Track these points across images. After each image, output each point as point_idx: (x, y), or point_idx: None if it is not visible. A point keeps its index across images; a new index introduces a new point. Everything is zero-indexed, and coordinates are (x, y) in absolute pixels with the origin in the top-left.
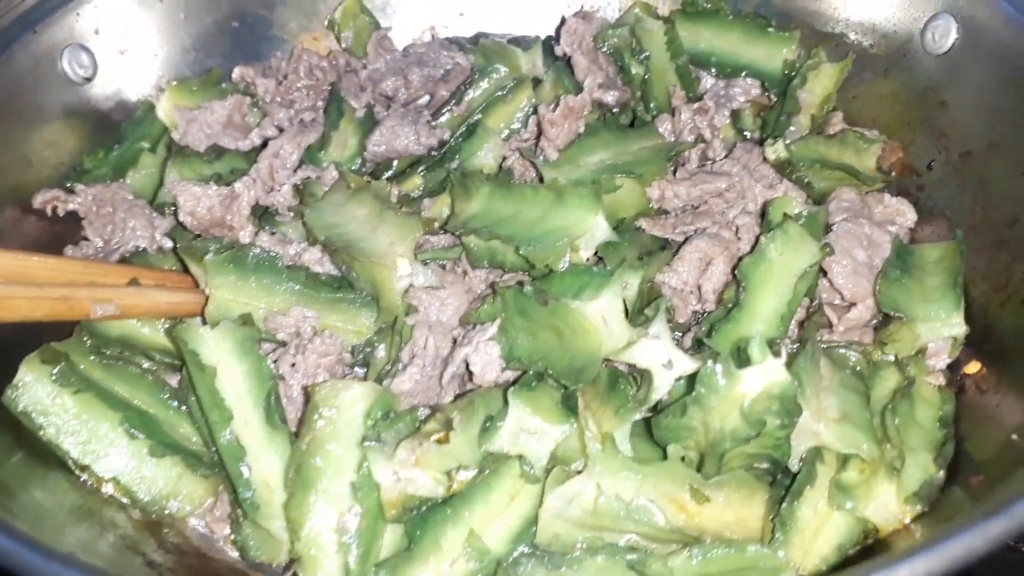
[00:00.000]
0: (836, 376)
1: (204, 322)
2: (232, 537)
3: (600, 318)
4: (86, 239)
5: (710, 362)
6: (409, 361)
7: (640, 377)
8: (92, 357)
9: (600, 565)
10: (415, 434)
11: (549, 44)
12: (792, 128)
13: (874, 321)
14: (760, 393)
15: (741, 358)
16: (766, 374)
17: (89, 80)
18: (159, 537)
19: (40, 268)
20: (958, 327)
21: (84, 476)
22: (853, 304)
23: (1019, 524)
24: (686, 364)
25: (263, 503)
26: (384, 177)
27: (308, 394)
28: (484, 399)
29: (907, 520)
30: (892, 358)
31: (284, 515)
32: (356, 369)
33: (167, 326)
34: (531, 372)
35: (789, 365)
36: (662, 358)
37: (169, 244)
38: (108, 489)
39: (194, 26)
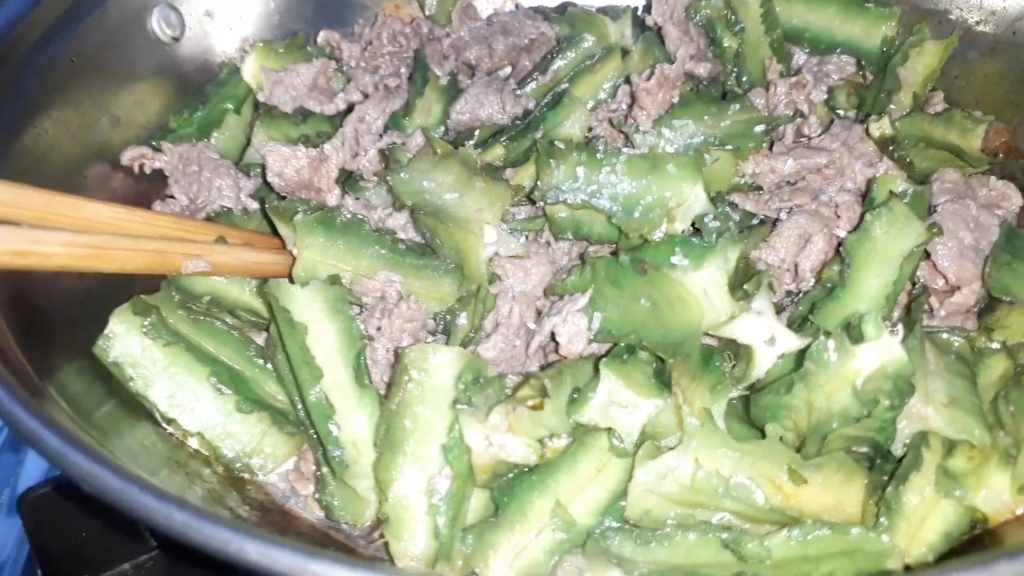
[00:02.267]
0: (942, 361)
1: (292, 283)
2: (316, 496)
3: (702, 290)
4: (172, 197)
5: (822, 337)
6: (493, 330)
7: (735, 354)
8: (180, 312)
9: (692, 542)
10: (509, 399)
11: (638, 15)
12: (892, 107)
13: (977, 307)
14: (875, 371)
15: (854, 334)
16: (882, 351)
17: (177, 40)
18: (243, 493)
19: (132, 221)
20: None
21: (170, 429)
22: (957, 288)
23: None
24: (791, 341)
25: (351, 462)
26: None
27: (398, 356)
28: (572, 370)
29: (1020, 511)
30: (998, 345)
31: (373, 475)
32: (439, 335)
33: (255, 285)
34: (623, 345)
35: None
36: (765, 334)
37: (254, 205)
38: (193, 444)
39: None
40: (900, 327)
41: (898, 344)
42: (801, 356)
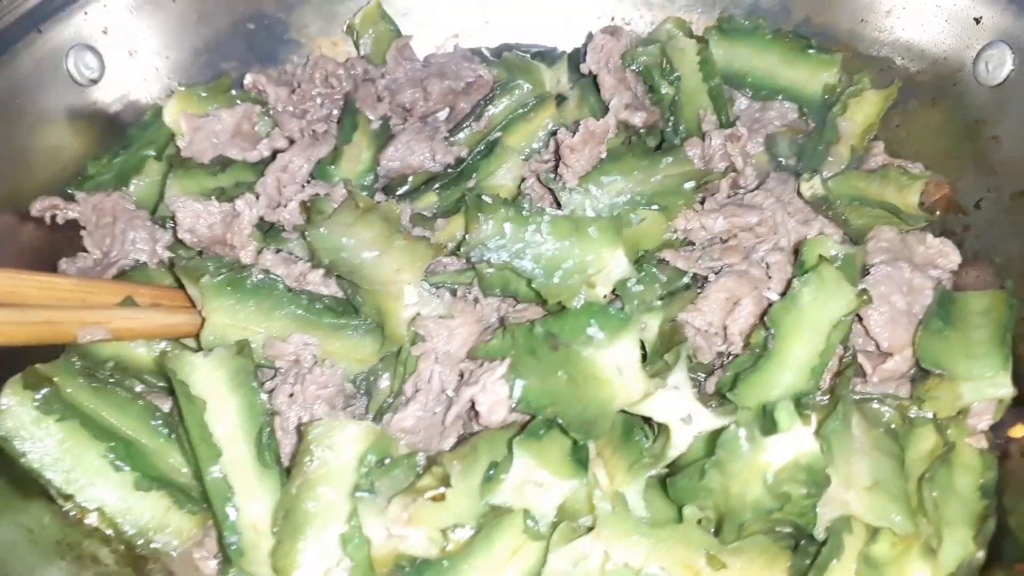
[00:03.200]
0: (869, 436)
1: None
2: None
3: (615, 368)
4: (84, 251)
5: (732, 426)
6: (412, 396)
7: (657, 427)
8: (80, 380)
9: None
10: (409, 489)
11: (577, 57)
12: (830, 159)
13: (912, 372)
14: (787, 464)
15: (767, 422)
16: (794, 443)
17: (95, 82)
18: (142, 574)
19: (29, 286)
20: (1005, 388)
21: (68, 506)
22: (889, 355)
23: None
24: (707, 420)
25: (250, 548)
26: (398, 193)
27: (301, 432)
28: (488, 443)
29: None
30: (930, 415)
31: (271, 564)
32: (360, 396)
33: (162, 347)
34: (540, 418)
35: (819, 428)
36: (681, 412)
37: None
38: (92, 520)
39: (208, 27)
40: (823, 398)
41: (811, 436)
42: (715, 440)
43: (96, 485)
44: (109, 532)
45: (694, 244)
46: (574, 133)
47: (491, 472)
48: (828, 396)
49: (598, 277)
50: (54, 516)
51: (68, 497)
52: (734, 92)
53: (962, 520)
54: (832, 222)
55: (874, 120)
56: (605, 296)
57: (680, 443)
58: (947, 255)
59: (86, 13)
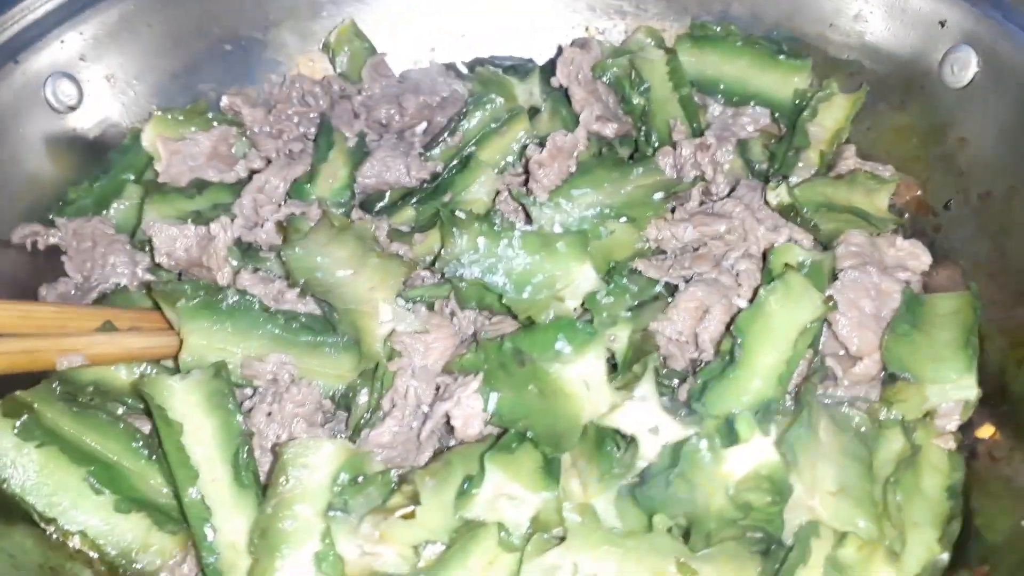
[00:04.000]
0: (836, 441)
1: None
2: None
3: (582, 381)
4: (66, 276)
5: (694, 438)
6: (389, 411)
7: (628, 438)
8: (60, 405)
9: None
10: (380, 508)
11: (550, 70)
12: (800, 164)
13: (882, 375)
14: (748, 474)
15: (728, 433)
16: (754, 454)
17: (74, 109)
18: None
19: (7, 315)
20: (969, 390)
21: (50, 529)
22: (859, 358)
23: None
24: (673, 430)
25: (228, 567)
26: (376, 209)
27: (276, 453)
28: (462, 457)
29: None
30: (897, 416)
31: None
32: (339, 413)
33: (141, 370)
34: (512, 432)
35: (784, 434)
36: (648, 423)
37: (152, 279)
38: (75, 543)
39: (185, 50)
40: (791, 404)
41: (771, 446)
42: (680, 449)
43: (78, 508)
44: (92, 554)
45: (665, 253)
46: (542, 148)
47: (465, 486)
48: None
49: (567, 291)
50: (37, 540)
51: (50, 521)
52: (707, 99)
53: (928, 521)
54: (801, 228)
55: (844, 124)
56: (575, 309)
57: (648, 453)
58: (917, 256)
59: (62, 42)
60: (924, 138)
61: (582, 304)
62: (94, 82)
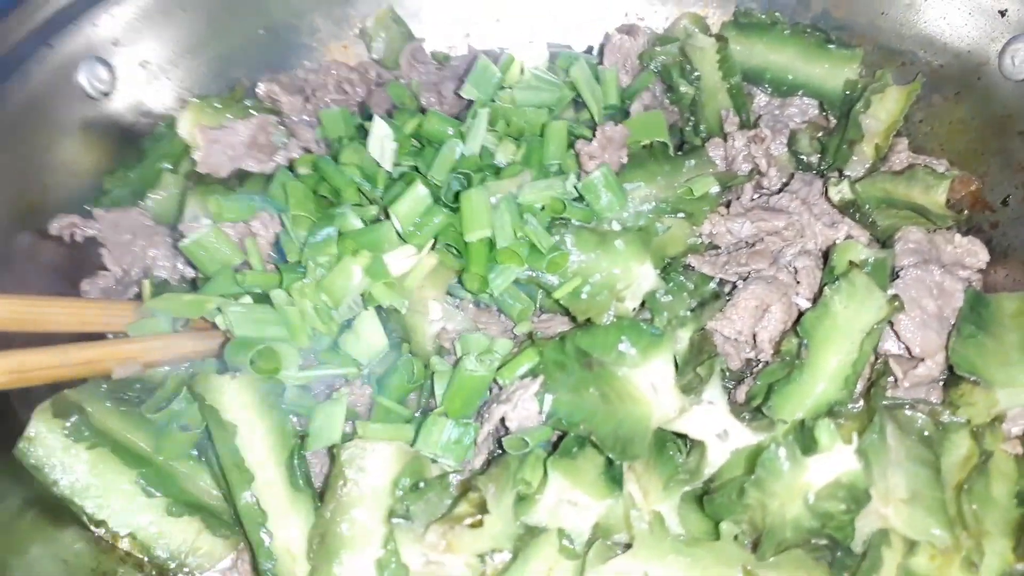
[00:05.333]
0: (903, 446)
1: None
2: None
3: (650, 385)
4: (104, 269)
5: (772, 445)
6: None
7: (690, 442)
8: (108, 404)
9: None
10: (447, 517)
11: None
12: (855, 158)
13: (943, 377)
14: (828, 483)
15: (807, 440)
16: (835, 463)
17: (107, 94)
18: None
19: (56, 312)
20: None
21: (100, 531)
22: (921, 360)
23: None
24: (744, 436)
25: (285, 573)
26: None
27: (332, 455)
28: (518, 460)
29: None
30: (963, 420)
31: None
32: None
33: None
34: (571, 436)
35: (858, 443)
36: (717, 428)
37: (192, 273)
38: (125, 545)
39: (219, 35)
40: (856, 406)
41: (853, 455)
42: (754, 457)
43: (128, 511)
44: (142, 557)
45: (719, 248)
46: (591, 141)
47: (524, 488)
48: (860, 404)
49: (627, 292)
50: (87, 543)
51: (100, 523)
52: (753, 88)
53: (1000, 530)
54: (859, 224)
55: (897, 116)
56: (633, 309)
57: (716, 459)
58: (975, 254)
59: (95, 25)
60: (981, 132)
61: (643, 304)
62: (128, 67)
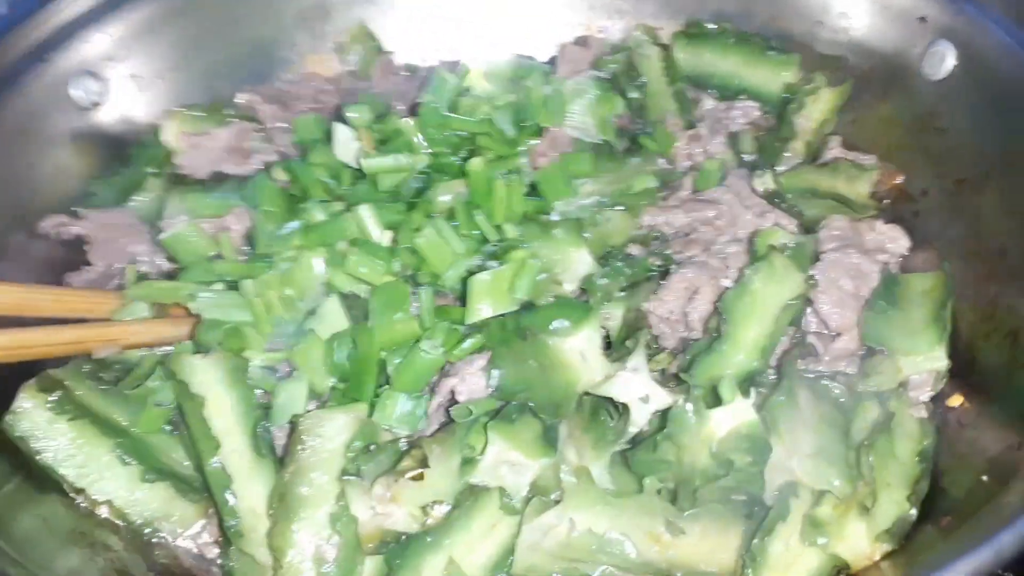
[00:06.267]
0: (816, 410)
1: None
2: (219, 561)
3: (579, 353)
4: (88, 264)
5: (680, 400)
6: None
7: (620, 408)
8: (89, 382)
9: None
10: (391, 471)
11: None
12: (787, 154)
13: (861, 351)
14: (728, 433)
15: (712, 397)
16: (735, 414)
17: (98, 105)
18: (150, 559)
19: (43, 299)
20: (939, 361)
21: (79, 499)
22: (839, 334)
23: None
24: (662, 398)
25: (248, 530)
26: None
27: (293, 424)
28: (465, 426)
29: (877, 557)
30: (873, 388)
31: (267, 543)
32: None
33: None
34: (513, 404)
35: (765, 400)
36: (639, 392)
37: (170, 267)
38: (103, 511)
39: (204, 50)
40: (755, 392)
41: (750, 407)
42: (667, 415)
43: (106, 479)
44: (119, 522)
45: (659, 239)
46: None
47: (468, 451)
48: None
49: (565, 276)
50: (68, 508)
51: (80, 491)
52: (701, 93)
53: (899, 482)
54: (787, 214)
55: (829, 117)
56: (573, 292)
57: (639, 420)
58: (896, 240)
59: (88, 41)
60: (906, 128)
61: (581, 288)
62: (118, 80)
